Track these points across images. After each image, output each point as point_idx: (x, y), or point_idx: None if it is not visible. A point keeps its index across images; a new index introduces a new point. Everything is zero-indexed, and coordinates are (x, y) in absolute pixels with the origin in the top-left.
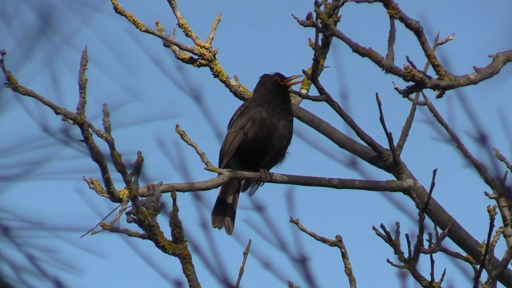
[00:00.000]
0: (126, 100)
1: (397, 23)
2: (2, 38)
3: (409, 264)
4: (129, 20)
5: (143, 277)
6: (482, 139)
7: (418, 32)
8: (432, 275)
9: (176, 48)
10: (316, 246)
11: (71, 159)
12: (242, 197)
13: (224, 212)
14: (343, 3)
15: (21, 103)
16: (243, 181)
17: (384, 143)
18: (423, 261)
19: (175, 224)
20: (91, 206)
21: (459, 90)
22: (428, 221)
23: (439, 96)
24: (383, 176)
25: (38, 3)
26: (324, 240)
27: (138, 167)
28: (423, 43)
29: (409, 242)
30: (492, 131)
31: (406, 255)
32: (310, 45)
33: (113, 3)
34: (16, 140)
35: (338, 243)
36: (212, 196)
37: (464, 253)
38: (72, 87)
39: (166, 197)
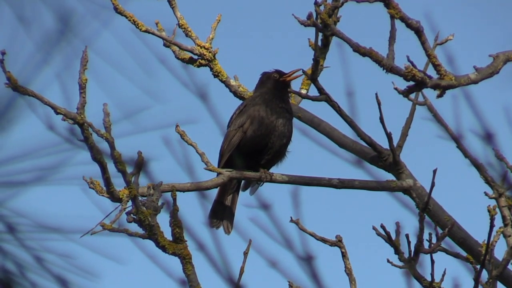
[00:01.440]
0: (142, 104)
1: (398, 23)
2: (21, 41)
3: (409, 264)
4: (129, 20)
5: (147, 276)
6: (488, 138)
7: (418, 32)
8: (432, 275)
9: (176, 48)
10: (316, 246)
11: (79, 162)
12: (247, 196)
13: (222, 212)
14: (343, 3)
15: (29, 105)
16: (243, 181)
17: (384, 143)
18: (424, 261)
19: (175, 224)
20: (96, 205)
21: (465, 89)
22: (428, 221)
23: (439, 96)
24: (384, 176)
25: (57, 6)
26: (324, 240)
27: (138, 167)
28: (423, 43)
29: (409, 242)
30: (497, 129)
31: (406, 255)
32: (310, 45)
33: (113, 3)
34: (27, 146)
35: (338, 243)
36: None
37: (464, 253)
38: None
39: (168, 197)
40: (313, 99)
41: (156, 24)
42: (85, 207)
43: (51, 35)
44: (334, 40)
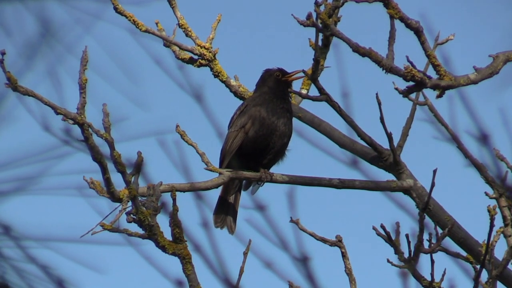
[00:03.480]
0: (129, 111)
1: (397, 23)
2: (4, 47)
3: (409, 264)
4: (129, 20)
5: (144, 277)
6: (484, 139)
7: (418, 32)
8: (432, 275)
9: (176, 48)
10: (316, 246)
11: (73, 164)
12: (244, 196)
13: (225, 211)
14: (343, 3)
15: (24, 106)
16: (244, 181)
17: (384, 143)
18: (423, 261)
19: (175, 224)
20: (93, 206)
21: (460, 89)
22: (428, 221)
23: (439, 96)
24: (384, 176)
25: (39, 12)
26: (324, 240)
27: (138, 167)
28: (423, 43)
29: (409, 242)
30: (493, 130)
31: (406, 255)
32: (310, 45)
33: (113, 3)
34: (19, 151)
35: (338, 243)
36: (214, 195)
37: (464, 253)
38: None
39: (167, 197)
40: (314, 99)
41: (156, 24)
42: (81, 209)
43: (33, 41)
44: (332, 40)
